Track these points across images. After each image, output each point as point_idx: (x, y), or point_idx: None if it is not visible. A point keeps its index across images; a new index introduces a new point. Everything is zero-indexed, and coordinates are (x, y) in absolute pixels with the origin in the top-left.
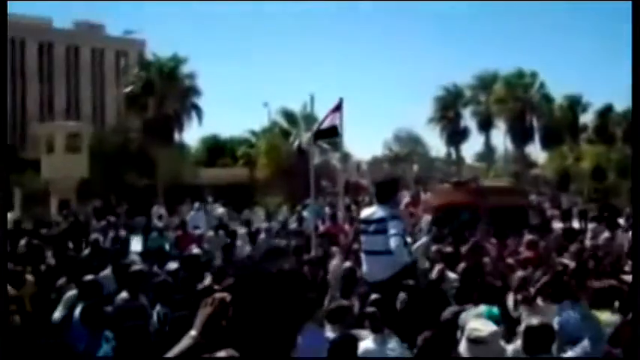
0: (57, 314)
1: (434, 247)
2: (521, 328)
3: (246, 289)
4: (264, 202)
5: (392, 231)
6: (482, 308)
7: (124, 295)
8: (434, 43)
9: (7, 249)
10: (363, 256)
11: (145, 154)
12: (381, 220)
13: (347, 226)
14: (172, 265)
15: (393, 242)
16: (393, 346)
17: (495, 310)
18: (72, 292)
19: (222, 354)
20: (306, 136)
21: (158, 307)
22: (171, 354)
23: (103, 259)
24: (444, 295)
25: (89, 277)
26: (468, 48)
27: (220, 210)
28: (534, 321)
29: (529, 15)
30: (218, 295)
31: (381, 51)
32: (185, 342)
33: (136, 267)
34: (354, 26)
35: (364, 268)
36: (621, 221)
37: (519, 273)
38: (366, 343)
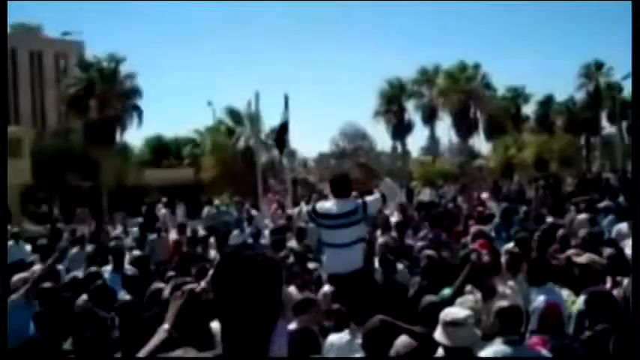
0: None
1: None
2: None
3: (231, 272)
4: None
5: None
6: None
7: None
8: (377, 38)
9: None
10: (325, 249)
11: (88, 156)
12: (347, 214)
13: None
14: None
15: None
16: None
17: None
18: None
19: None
20: (249, 134)
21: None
22: (146, 348)
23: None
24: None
25: None
26: (410, 42)
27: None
28: (504, 303)
29: (469, 9)
30: (188, 286)
31: (324, 47)
32: (158, 336)
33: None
34: (296, 22)
35: (326, 260)
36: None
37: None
38: (333, 338)
